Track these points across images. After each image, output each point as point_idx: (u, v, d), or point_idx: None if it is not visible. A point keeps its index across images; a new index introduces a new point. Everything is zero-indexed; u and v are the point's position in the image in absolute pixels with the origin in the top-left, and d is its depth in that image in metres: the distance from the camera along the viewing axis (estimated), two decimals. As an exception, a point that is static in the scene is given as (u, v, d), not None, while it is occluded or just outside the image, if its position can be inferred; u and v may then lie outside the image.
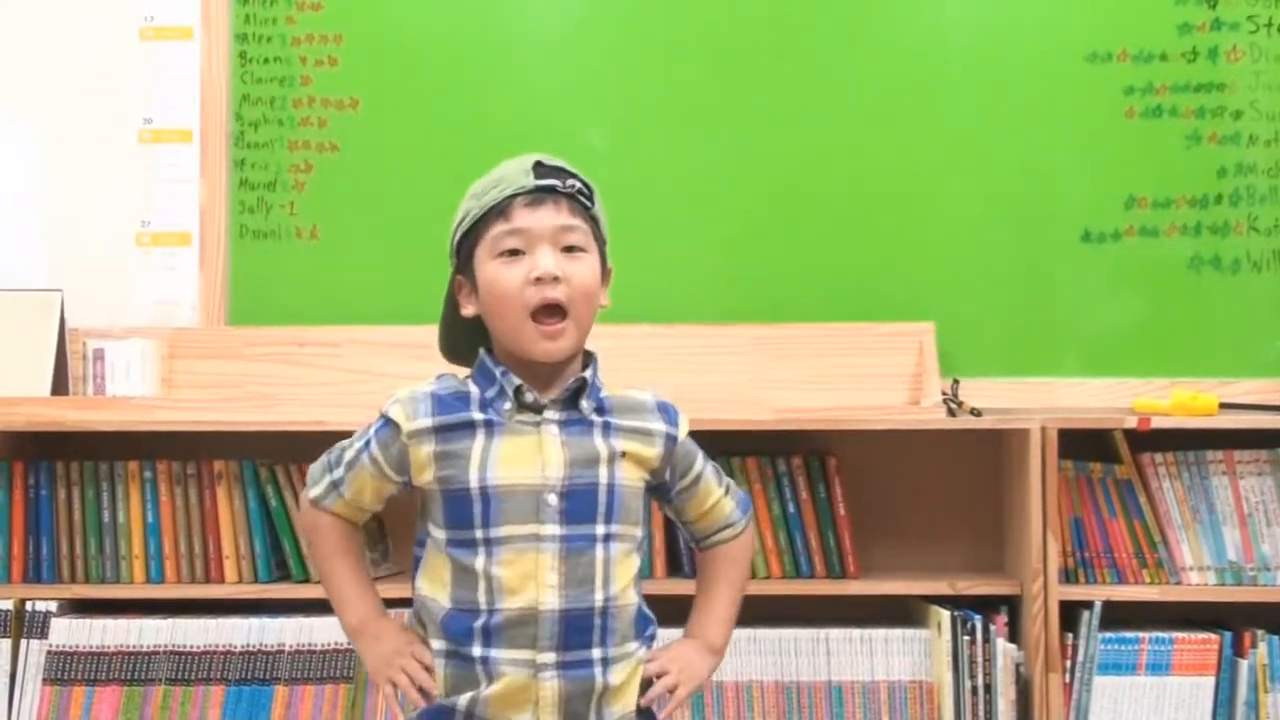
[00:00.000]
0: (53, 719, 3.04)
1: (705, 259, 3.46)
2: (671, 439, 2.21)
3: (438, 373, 2.22)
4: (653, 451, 2.18)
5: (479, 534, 2.08)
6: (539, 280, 2.09)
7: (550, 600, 2.07)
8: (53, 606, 3.10)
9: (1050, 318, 3.44)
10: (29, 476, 3.17)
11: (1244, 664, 3.02)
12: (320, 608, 3.08)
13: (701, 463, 2.27)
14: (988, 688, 3.00)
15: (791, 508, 3.16)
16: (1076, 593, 3.06)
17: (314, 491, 2.23)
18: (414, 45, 3.51)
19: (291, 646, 3.06)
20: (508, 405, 2.12)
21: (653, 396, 2.24)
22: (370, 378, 3.36)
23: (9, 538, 3.15)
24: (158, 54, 3.54)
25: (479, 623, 2.07)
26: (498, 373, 2.14)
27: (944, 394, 3.27)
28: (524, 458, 2.10)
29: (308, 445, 3.13)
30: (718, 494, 2.29)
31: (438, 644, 2.12)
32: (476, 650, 2.08)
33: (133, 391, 3.33)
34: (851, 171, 3.46)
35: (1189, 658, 3.03)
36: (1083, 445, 3.13)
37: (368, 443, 2.18)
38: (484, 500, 2.08)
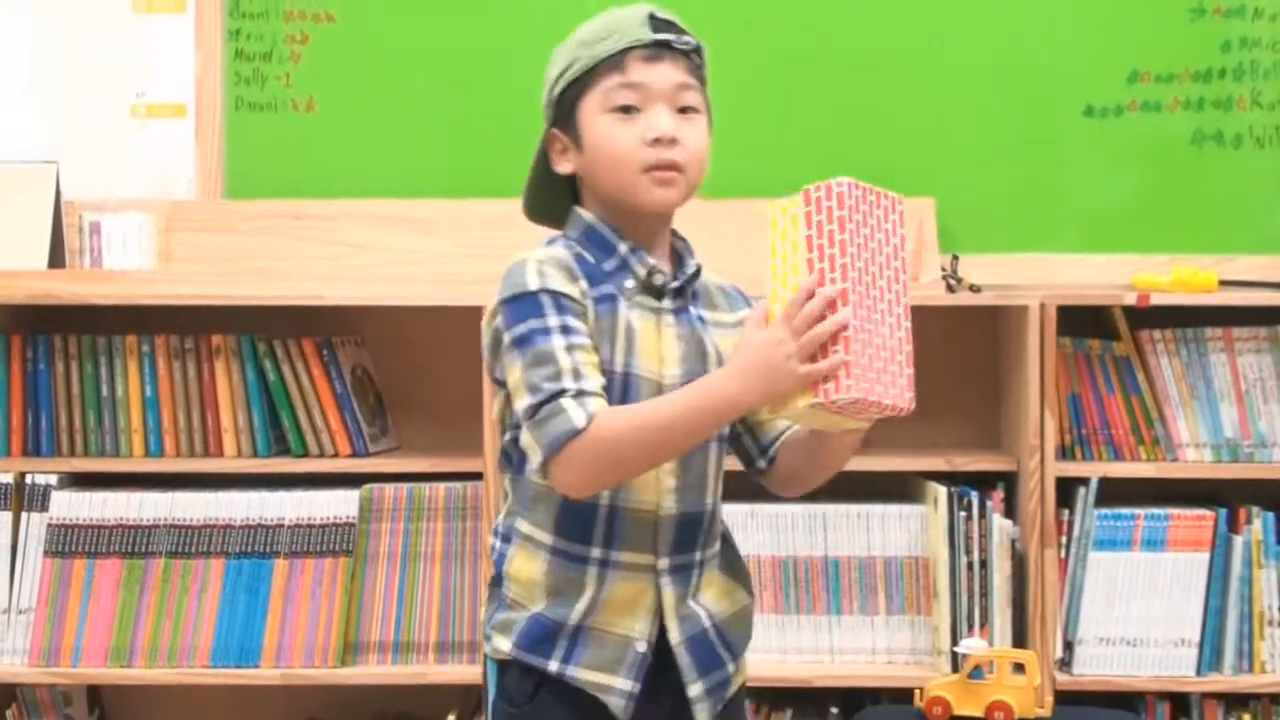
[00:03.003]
0: (54, 591, 3.07)
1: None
2: None
3: (547, 238, 2.07)
4: None
5: None
6: (656, 142, 1.97)
7: (669, 504, 1.99)
8: (53, 480, 3.11)
9: (1051, 193, 3.42)
10: (26, 350, 3.17)
11: (1238, 540, 3.03)
12: (319, 481, 3.10)
13: None
14: (983, 563, 3.02)
15: (790, 383, 3.15)
16: (1073, 469, 3.07)
17: (575, 422, 1.87)
18: (410, -86, 3.46)
19: (291, 520, 3.08)
20: (630, 283, 2.01)
21: (727, 283, 2.12)
22: (368, 251, 3.35)
23: (8, 411, 3.15)
24: (150, -78, 3.49)
25: (600, 521, 1.98)
26: (622, 247, 2.01)
27: (943, 270, 3.25)
28: (649, 348, 1.99)
29: (306, 318, 3.15)
30: None
31: (545, 538, 2.00)
32: (596, 552, 1.98)
33: (130, 265, 3.32)
34: (849, 45, 3.43)
35: (1184, 534, 3.04)
36: (1081, 322, 3.13)
37: (565, 328, 1.92)
38: (624, 387, 1.96)
